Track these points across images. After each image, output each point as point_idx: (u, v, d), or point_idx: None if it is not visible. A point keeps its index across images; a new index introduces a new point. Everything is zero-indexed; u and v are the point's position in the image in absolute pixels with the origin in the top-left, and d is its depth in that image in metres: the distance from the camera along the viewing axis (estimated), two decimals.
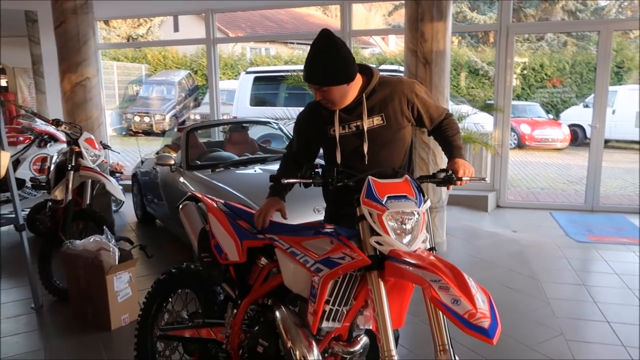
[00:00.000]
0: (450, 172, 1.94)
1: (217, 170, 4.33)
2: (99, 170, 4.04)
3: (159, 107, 14.92)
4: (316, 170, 1.84)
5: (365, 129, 2.07)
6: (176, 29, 21.74)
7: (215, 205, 2.35)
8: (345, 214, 2.13)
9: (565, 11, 18.26)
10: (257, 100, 9.47)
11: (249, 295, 2.07)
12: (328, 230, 1.88)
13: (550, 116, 14.67)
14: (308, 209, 3.71)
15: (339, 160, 2.09)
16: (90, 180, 4.03)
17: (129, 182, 6.15)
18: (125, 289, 3.28)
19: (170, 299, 2.55)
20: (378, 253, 1.67)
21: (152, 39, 19.54)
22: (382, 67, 10.51)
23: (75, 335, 3.19)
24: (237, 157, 4.70)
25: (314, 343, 1.77)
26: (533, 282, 3.92)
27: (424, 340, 2.60)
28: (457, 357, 1.55)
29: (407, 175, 1.81)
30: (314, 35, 2.02)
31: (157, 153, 5.62)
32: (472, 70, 15.53)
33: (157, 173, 5.20)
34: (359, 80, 2.08)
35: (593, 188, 6.31)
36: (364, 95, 2.07)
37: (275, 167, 4.54)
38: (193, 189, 4.16)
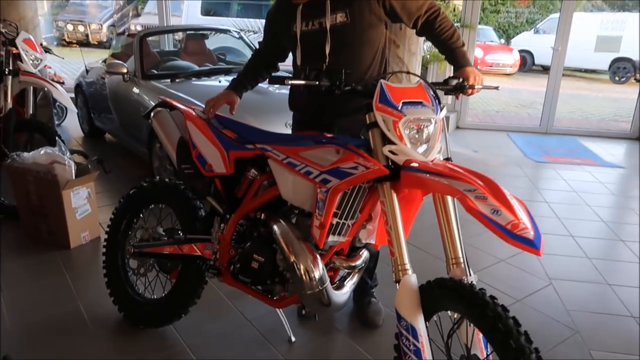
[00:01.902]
0: (461, 79, 1.80)
1: (177, 80, 3.97)
2: (41, 75, 3.59)
3: (94, 15, 13.59)
4: (322, 72, 1.65)
5: (328, 26, 1.88)
6: None
7: (194, 113, 2.11)
8: (321, 123, 2.00)
9: None
10: (209, 10, 8.75)
11: (238, 210, 1.91)
12: (331, 139, 1.72)
13: (502, 41, 14.71)
14: (279, 123, 3.51)
15: (299, 61, 1.95)
16: (32, 88, 3.59)
17: (72, 95, 5.60)
18: (84, 205, 3.02)
19: (141, 215, 2.35)
20: (390, 163, 1.55)
21: None
22: None
23: (31, 255, 2.93)
24: (197, 67, 4.33)
25: (318, 257, 1.66)
26: None
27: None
28: (472, 272, 1.49)
29: (421, 81, 1.65)
30: None
31: (105, 61, 5.10)
32: None
33: (104, 83, 4.74)
34: None
35: (549, 111, 6.44)
36: None
37: None
38: (150, 101, 3.82)
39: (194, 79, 4.10)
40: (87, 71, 5.20)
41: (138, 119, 3.95)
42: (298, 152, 1.75)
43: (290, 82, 1.62)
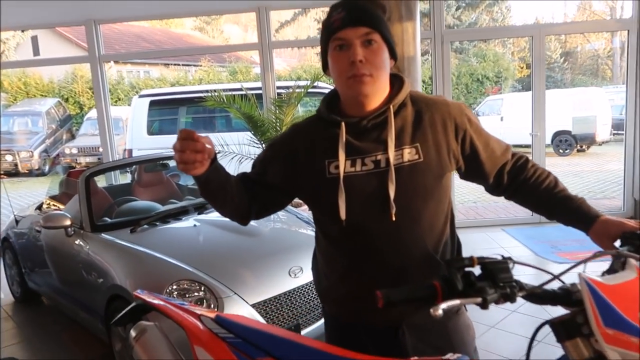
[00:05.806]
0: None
1: (138, 229, 3.10)
2: None
3: (24, 142, 12.63)
4: (470, 271, 0.95)
5: (392, 163, 1.22)
6: (36, 52, 19.13)
7: (202, 326, 1.29)
8: (385, 319, 1.30)
9: (445, 26, 19.21)
10: (155, 128, 8.10)
11: None
12: None
13: None
14: (282, 271, 2.73)
15: (342, 214, 1.23)
16: None
17: None
18: None
19: None
20: None
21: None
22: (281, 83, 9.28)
23: None
24: (161, 207, 3.49)
25: None
26: None
27: None
28: None
29: (636, 265, 0.99)
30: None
31: (40, 208, 4.17)
32: None
33: (39, 235, 3.80)
34: (386, 85, 1.28)
35: None
36: (390, 107, 1.25)
37: (217, 217, 3.45)
38: (108, 263, 2.92)
39: (158, 222, 3.25)
40: (16, 221, 4.23)
41: (88, 286, 3.02)
42: None
43: (440, 309, 0.89)
